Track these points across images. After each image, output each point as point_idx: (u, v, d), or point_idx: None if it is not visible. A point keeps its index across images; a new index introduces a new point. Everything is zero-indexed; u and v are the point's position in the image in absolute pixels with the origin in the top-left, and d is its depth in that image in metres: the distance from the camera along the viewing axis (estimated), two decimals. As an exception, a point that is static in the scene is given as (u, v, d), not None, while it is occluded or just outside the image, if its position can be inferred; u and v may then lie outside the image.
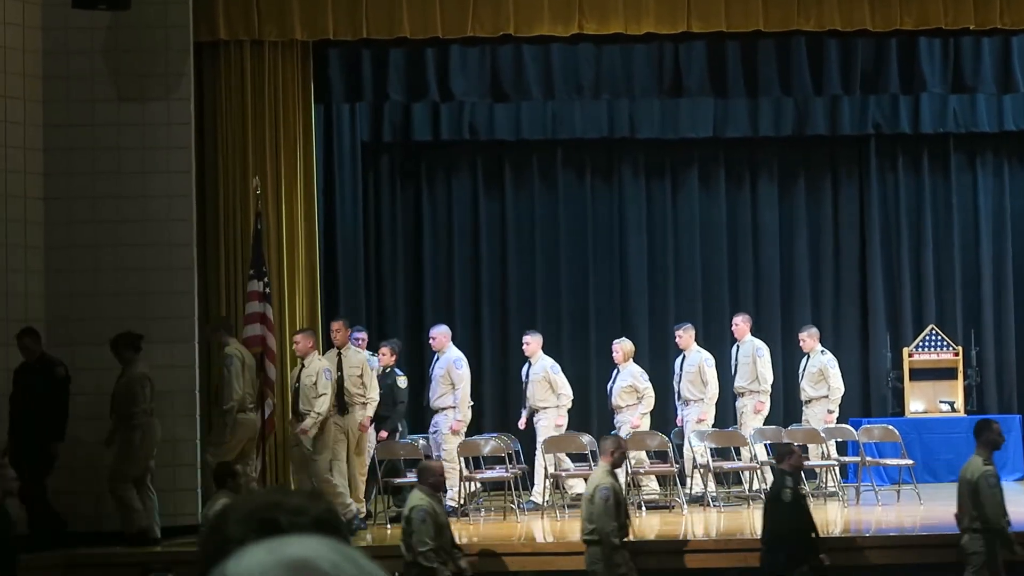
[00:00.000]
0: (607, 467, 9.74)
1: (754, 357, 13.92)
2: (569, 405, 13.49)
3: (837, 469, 13.69)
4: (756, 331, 14.47)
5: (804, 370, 14.12)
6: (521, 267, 15.88)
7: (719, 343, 14.62)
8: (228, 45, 12.66)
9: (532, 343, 13.62)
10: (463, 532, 11.31)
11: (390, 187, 15.88)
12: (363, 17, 12.62)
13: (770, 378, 13.97)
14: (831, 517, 12.42)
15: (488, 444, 13.25)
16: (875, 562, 10.42)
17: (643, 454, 13.38)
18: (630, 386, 13.44)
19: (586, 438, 13.21)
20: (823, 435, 13.36)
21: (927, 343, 15.27)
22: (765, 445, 13.55)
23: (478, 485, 13.37)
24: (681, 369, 13.82)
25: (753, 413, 13.82)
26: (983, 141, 16.04)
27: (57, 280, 11.88)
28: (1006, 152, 16.17)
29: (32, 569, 9.84)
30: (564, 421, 13.42)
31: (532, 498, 13.31)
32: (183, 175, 12.15)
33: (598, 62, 13.86)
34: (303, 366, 11.84)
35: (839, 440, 13.86)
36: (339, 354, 12.29)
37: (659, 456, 13.32)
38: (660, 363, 14.83)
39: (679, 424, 13.81)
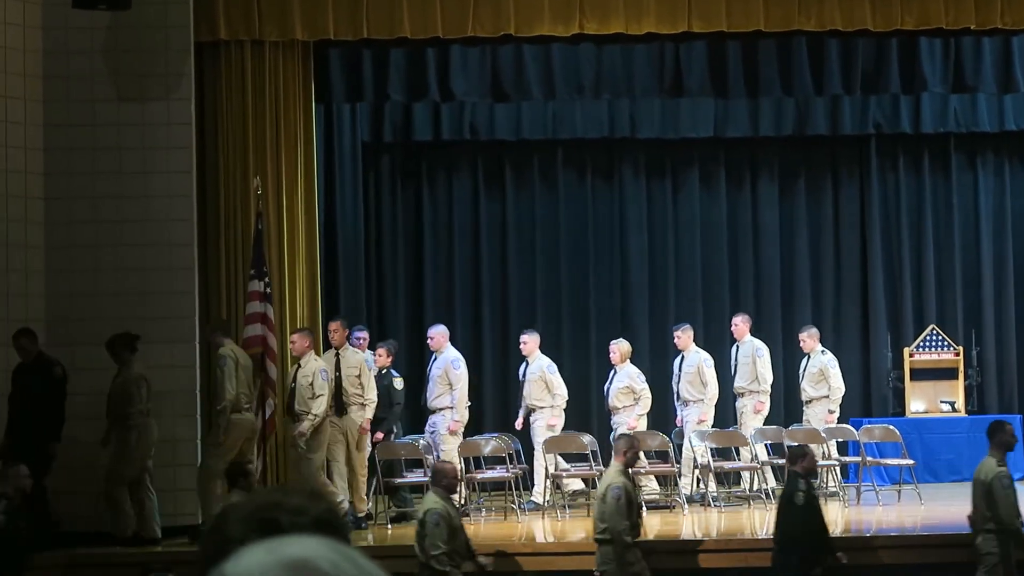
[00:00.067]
0: (620, 467, 9.74)
1: (754, 357, 13.92)
2: (564, 405, 13.47)
3: (838, 469, 13.69)
4: (757, 331, 14.46)
5: (804, 370, 14.12)
6: (521, 267, 15.87)
7: (719, 343, 14.62)
8: (228, 45, 12.66)
9: (529, 342, 13.62)
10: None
11: (391, 187, 15.88)
12: (364, 17, 12.62)
13: (770, 378, 13.97)
14: (832, 517, 12.39)
15: (488, 444, 13.25)
16: (875, 562, 10.41)
17: (642, 454, 13.35)
18: (627, 387, 13.43)
19: (586, 438, 13.22)
20: (824, 435, 13.35)
21: (928, 343, 15.27)
22: (765, 445, 13.56)
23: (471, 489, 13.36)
24: (680, 370, 13.82)
25: (753, 413, 13.82)
26: (984, 141, 16.03)
27: (57, 280, 11.88)
28: (1007, 152, 16.17)
29: (32, 569, 9.84)
30: (557, 421, 13.39)
31: (532, 498, 13.31)
32: (184, 175, 12.15)
33: (599, 62, 13.87)
34: (299, 366, 11.84)
35: (840, 440, 13.86)
36: (337, 354, 12.29)
37: (659, 456, 13.32)
38: (660, 363, 14.83)
39: (678, 424, 13.81)
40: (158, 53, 12.12)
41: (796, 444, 11.65)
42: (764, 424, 13.82)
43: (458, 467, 12.80)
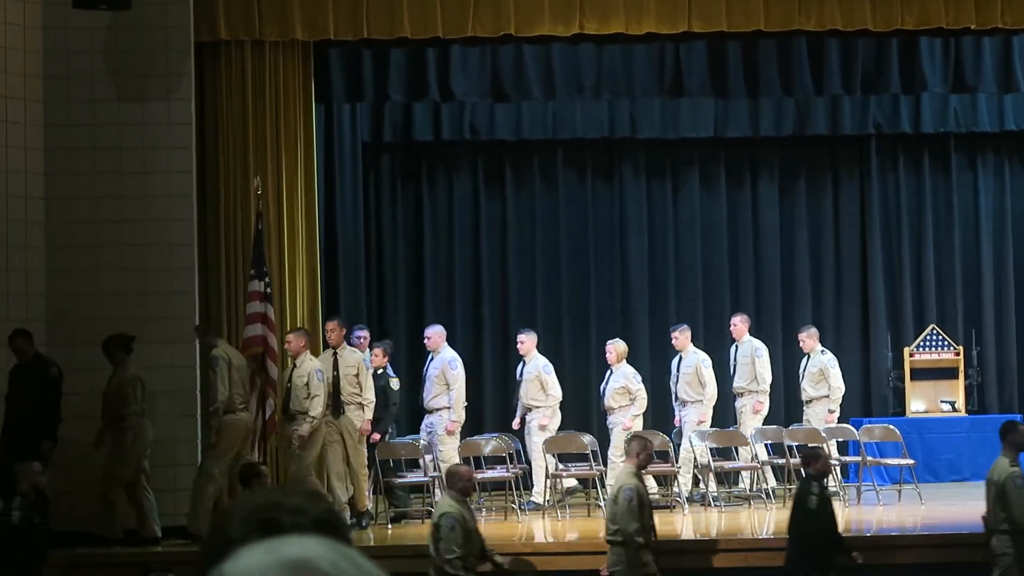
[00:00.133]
0: (632, 468, 9.72)
1: (752, 357, 13.92)
2: (556, 406, 13.45)
3: (838, 469, 13.67)
4: (757, 331, 14.46)
5: (804, 370, 14.12)
6: (522, 267, 15.87)
7: (719, 343, 14.61)
8: (229, 45, 12.66)
9: (527, 342, 13.62)
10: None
11: (391, 187, 15.87)
12: (364, 17, 12.62)
13: (769, 378, 13.97)
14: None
15: (489, 444, 13.25)
16: (876, 562, 10.40)
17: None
18: (623, 387, 13.43)
19: (586, 438, 13.22)
20: (824, 435, 13.35)
21: (928, 343, 15.27)
22: (765, 445, 13.56)
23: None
24: (678, 371, 13.81)
25: (752, 413, 13.82)
26: (984, 141, 16.03)
27: (58, 280, 11.88)
28: (1007, 152, 16.17)
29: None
30: (549, 422, 13.35)
31: (532, 498, 13.31)
32: (184, 175, 12.15)
33: (599, 62, 13.87)
34: (295, 366, 11.83)
35: (840, 440, 13.86)
36: (335, 354, 12.28)
37: (660, 456, 13.29)
38: (660, 363, 14.82)
39: (677, 425, 13.80)
40: (158, 53, 12.12)
41: (810, 446, 11.66)
42: (764, 424, 13.83)
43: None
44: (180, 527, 11.29)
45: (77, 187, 11.94)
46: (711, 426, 13.67)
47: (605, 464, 13.22)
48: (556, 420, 13.47)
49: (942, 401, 15.13)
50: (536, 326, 14.87)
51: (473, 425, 14.59)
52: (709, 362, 13.73)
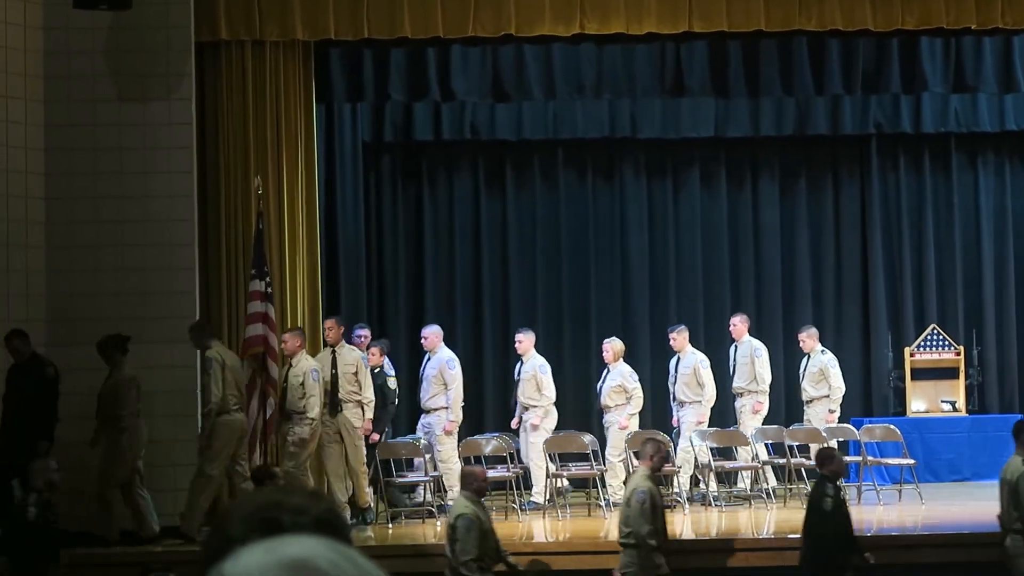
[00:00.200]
0: (646, 471, 9.72)
1: (752, 357, 13.92)
2: (549, 407, 13.42)
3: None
4: (757, 331, 14.46)
5: (805, 370, 14.12)
6: (522, 267, 15.87)
7: (720, 343, 14.61)
8: (229, 45, 12.66)
9: (525, 341, 13.62)
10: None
11: (391, 187, 15.87)
12: (364, 17, 12.62)
13: (768, 378, 13.97)
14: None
15: (489, 444, 13.25)
16: (876, 562, 10.40)
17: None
18: (619, 385, 13.43)
19: (587, 437, 13.22)
20: (824, 435, 13.36)
21: (929, 343, 15.27)
22: (766, 445, 13.56)
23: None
24: (676, 371, 13.81)
25: (751, 413, 13.83)
26: (984, 141, 16.03)
27: (58, 280, 11.88)
28: (1007, 152, 16.17)
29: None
30: (541, 422, 13.32)
31: (533, 498, 13.31)
32: (184, 175, 12.15)
33: (599, 62, 13.87)
34: (290, 366, 11.82)
35: (840, 440, 13.86)
36: (333, 352, 12.28)
37: (660, 456, 13.30)
38: (661, 363, 14.80)
39: (675, 425, 13.80)
40: (159, 53, 12.12)
41: (824, 446, 11.64)
42: (764, 424, 13.83)
43: (459, 467, 12.82)
44: (177, 527, 11.29)
45: (78, 187, 11.95)
46: (711, 426, 13.66)
47: (605, 464, 13.22)
48: (551, 420, 13.44)
49: (943, 401, 15.13)
50: (537, 326, 14.87)
51: (473, 425, 14.60)
52: (707, 363, 13.73)
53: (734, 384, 14.03)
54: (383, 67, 13.61)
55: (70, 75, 12.00)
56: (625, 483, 13.14)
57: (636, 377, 13.54)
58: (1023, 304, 16.08)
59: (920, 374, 15.20)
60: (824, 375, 13.95)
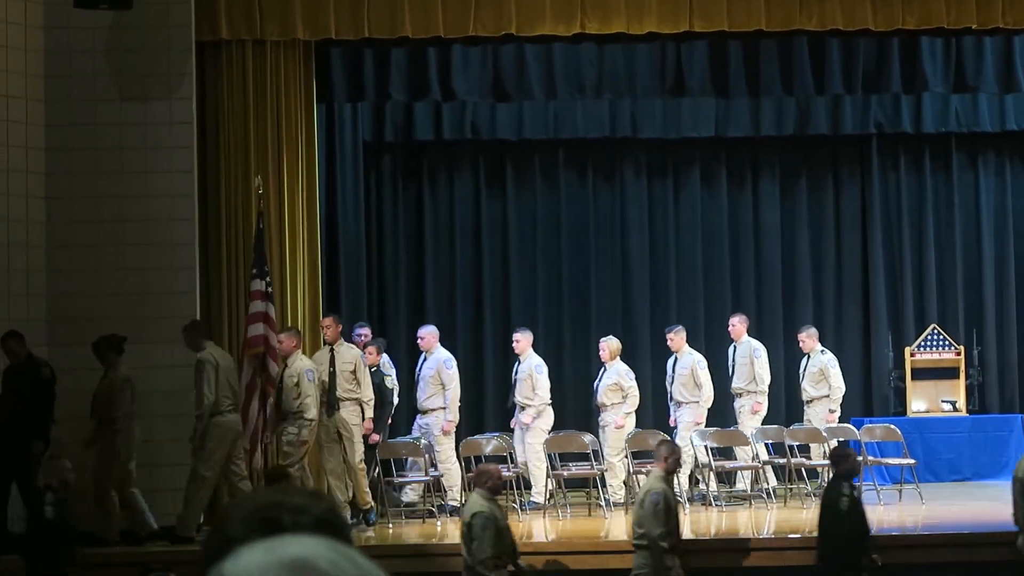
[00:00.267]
0: (661, 473, 9.70)
1: (751, 358, 13.92)
2: (541, 407, 13.40)
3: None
4: (758, 331, 14.46)
5: (805, 370, 14.12)
6: (523, 267, 15.87)
7: (720, 343, 14.61)
8: (230, 44, 12.66)
9: (522, 340, 13.60)
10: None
11: (392, 187, 15.87)
12: (365, 16, 12.63)
13: (767, 379, 13.96)
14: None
15: (489, 444, 13.25)
16: (876, 562, 10.40)
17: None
18: (615, 384, 13.42)
19: (587, 437, 13.22)
20: (825, 435, 13.36)
21: (929, 343, 15.27)
22: (766, 444, 13.56)
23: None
24: (673, 371, 13.80)
25: (750, 414, 13.82)
26: (985, 141, 16.03)
27: (59, 280, 11.88)
28: (1008, 152, 16.17)
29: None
30: (531, 421, 13.30)
31: (533, 498, 13.31)
32: (185, 175, 12.15)
33: (600, 62, 13.87)
34: (286, 366, 11.81)
35: (841, 439, 13.84)
36: (332, 350, 12.27)
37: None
38: (661, 363, 14.78)
39: (672, 425, 13.80)
40: (160, 52, 12.13)
41: (838, 444, 11.61)
42: (764, 424, 13.83)
43: (458, 467, 12.83)
44: (174, 527, 11.27)
45: (78, 186, 11.95)
46: (711, 426, 13.65)
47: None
48: (547, 420, 13.38)
49: (943, 401, 15.13)
50: (537, 326, 14.87)
51: (473, 425, 14.60)
52: (704, 363, 13.72)
53: (733, 384, 14.02)
54: (384, 67, 13.61)
55: (71, 74, 12.01)
56: (625, 483, 13.20)
57: (632, 376, 13.52)
58: (1023, 304, 16.07)
59: (920, 374, 15.21)
60: (824, 375, 13.95)
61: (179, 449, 11.64)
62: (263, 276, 11.83)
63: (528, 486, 13.43)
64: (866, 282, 16.09)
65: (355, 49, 13.39)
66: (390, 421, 13.45)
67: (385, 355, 13.51)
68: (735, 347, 14.12)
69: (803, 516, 12.58)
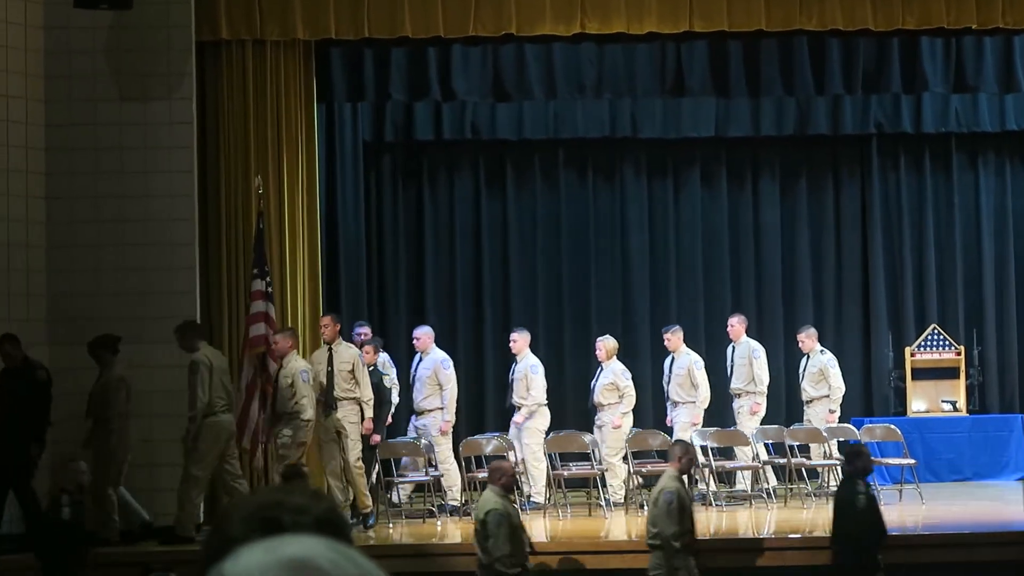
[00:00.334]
0: (675, 472, 9.70)
1: (750, 358, 13.91)
2: (534, 407, 13.38)
3: (839, 468, 13.65)
4: (758, 331, 14.46)
5: (804, 370, 14.12)
6: (523, 267, 15.87)
7: (720, 343, 14.61)
8: (230, 44, 12.67)
9: (519, 340, 13.59)
10: (465, 532, 11.30)
11: (392, 186, 15.87)
12: (365, 16, 12.63)
13: (766, 379, 13.96)
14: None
15: (489, 444, 13.24)
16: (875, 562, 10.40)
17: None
18: (612, 383, 13.41)
19: (587, 437, 13.21)
20: (825, 435, 13.36)
21: (929, 343, 15.27)
22: (766, 444, 13.56)
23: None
24: (670, 371, 13.80)
25: (749, 414, 13.82)
26: (985, 141, 16.03)
27: (59, 280, 11.88)
28: (1008, 152, 16.17)
29: (33, 569, 9.85)
30: (523, 420, 13.28)
31: (533, 498, 13.30)
32: (185, 174, 12.16)
33: (600, 61, 13.88)
34: (281, 366, 11.79)
35: (841, 439, 13.85)
36: (330, 349, 12.26)
37: (661, 456, 13.30)
38: (661, 363, 14.78)
39: (669, 425, 13.79)
40: (160, 52, 12.13)
41: (851, 443, 11.58)
42: (763, 424, 13.82)
43: (458, 467, 12.82)
44: (172, 527, 11.26)
45: (78, 186, 11.95)
46: (710, 426, 13.64)
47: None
48: (542, 421, 13.34)
49: (943, 401, 15.13)
50: (537, 326, 14.86)
51: (473, 425, 14.60)
52: (701, 363, 13.72)
53: (732, 385, 14.02)
54: (384, 66, 13.61)
55: (71, 74, 12.01)
56: (625, 482, 13.20)
57: (629, 375, 13.52)
58: (1023, 304, 16.07)
59: (920, 374, 15.21)
60: (824, 375, 13.95)
61: (178, 449, 11.63)
62: (263, 276, 11.83)
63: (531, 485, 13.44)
64: (866, 282, 16.09)
65: (355, 49, 13.39)
66: (390, 421, 13.43)
67: (385, 354, 13.51)
68: (734, 347, 14.12)
69: (803, 516, 12.59)
